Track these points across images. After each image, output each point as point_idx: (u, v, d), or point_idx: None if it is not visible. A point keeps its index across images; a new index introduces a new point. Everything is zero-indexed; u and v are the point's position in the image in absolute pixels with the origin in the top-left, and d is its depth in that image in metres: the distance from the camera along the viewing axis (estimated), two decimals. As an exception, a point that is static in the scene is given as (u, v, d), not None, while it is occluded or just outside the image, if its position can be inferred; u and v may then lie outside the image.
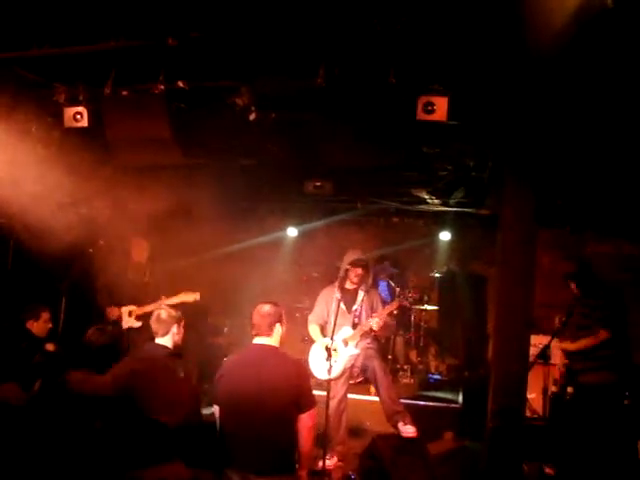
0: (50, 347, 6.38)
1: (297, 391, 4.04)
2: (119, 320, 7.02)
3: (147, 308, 6.88)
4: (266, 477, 3.87)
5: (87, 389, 4.31)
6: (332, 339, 5.93)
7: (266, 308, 4.26)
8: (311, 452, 4.24)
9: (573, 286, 6.16)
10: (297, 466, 4.13)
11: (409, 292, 6.77)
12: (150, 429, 4.02)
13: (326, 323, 6.52)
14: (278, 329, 4.27)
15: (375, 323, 6.33)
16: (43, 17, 4.64)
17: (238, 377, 4.06)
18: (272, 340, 4.23)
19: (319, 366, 6.44)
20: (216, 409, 4.17)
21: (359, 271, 6.47)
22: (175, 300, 6.82)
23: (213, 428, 4.27)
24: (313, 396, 4.21)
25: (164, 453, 4.03)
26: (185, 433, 4.17)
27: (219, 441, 4.10)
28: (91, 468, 3.91)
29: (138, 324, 6.99)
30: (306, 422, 4.07)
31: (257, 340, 4.23)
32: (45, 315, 6.38)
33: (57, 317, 6.89)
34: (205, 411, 6.98)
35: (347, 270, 6.47)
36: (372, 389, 6.73)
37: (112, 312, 7.06)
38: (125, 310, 7.06)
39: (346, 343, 6.38)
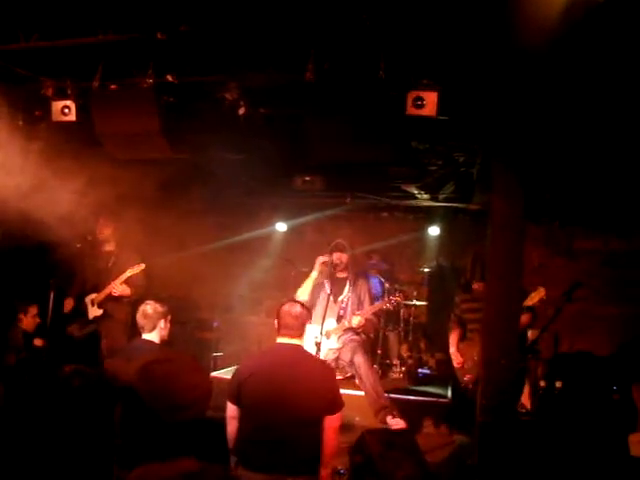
0: (38, 342, 6.37)
1: (330, 393, 4.03)
2: (85, 311, 6.99)
3: (103, 294, 6.90)
4: (296, 477, 3.84)
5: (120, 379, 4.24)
6: (321, 333, 5.93)
7: (298, 309, 4.20)
8: (335, 452, 4.20)
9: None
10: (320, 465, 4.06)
11: (394, 295, 6.77)
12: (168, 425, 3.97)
13: (314, 309, 6.53)
14: (306, 330, 4.25)
15: (357, 322, 6.36)
16: (30, 10, 4.61)
17: (271, 377, 3.97)
18: (301, 341, 4.20)
19: None
20: (231, 408, 4.07)
21: (338, 255, 6.50)
22: (124, 277, 6.82)
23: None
24: (342, 398, 4.19)
25: (178, 448, 3.99)
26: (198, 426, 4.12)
27: (237, 441, 4.04)
28: (91, 466, 3.87)
29: (100, 312, 6.95)
30: (334, 423, 4.04)
31: (286, 340, 4.15)
32: (33, 310, 6.37)
33: (45, 312, 6.84)
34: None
35: (330, 257, 6.52)
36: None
37: (67, 304, 7.02)
38: (88, 300, 6.99)
39: (328, 336, 6.39)
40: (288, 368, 4.00)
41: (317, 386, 3.98)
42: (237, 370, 4.22)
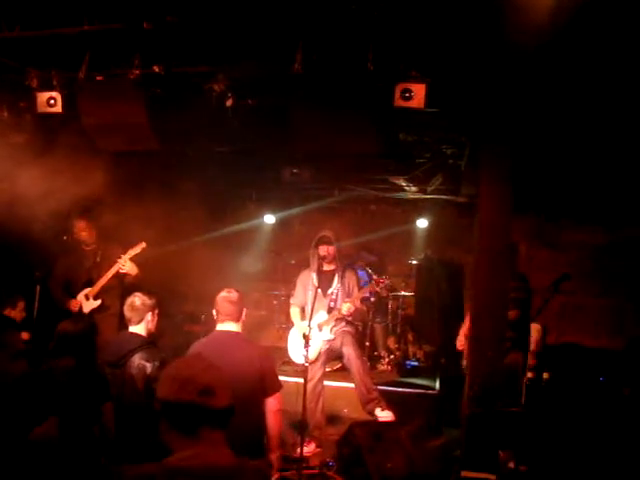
0: (25, 336, 6.31)
1: (261, 374, 4.08)
2: (81, 309, 6.87)
3: (101, 282, 6.80)
4: None
5: None
6: (309, 325, 5.94)
7: (235, 295, 4.31)
8: (279, 435, 4.27)
9: None
10: (268, 450, 4.19)
11: (382, 279, 6.77)
12: None
13: (306, 305, 6.54)
14: (243, 315, 4.31)
15: (346, 308, 6.36)
16: (14, -1, 4.56)
17: None
18: (238, 326, 4.28)
19: (296, 351, 6.48)
20: None
21: (325, 247, 6.49)
22: (129, 255, 6.72)
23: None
24: (278, 379, 4.26)
25: None
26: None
27: None
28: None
29: (97, 302, 6.84)
30: (272, 405, 4.13)
31: (223, 327, 4.26)
32: (21, 304, 6.31)
33: (31, 306, 6.77)
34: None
35: (316, 251, 6.52)
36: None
37: (74, 305, 6.92)
38: (81, 296, 6.87)
39: (320, 328, 6.40)
40: (222, 354, 4.00)
41: (246, 369, 4.03)
42: None
